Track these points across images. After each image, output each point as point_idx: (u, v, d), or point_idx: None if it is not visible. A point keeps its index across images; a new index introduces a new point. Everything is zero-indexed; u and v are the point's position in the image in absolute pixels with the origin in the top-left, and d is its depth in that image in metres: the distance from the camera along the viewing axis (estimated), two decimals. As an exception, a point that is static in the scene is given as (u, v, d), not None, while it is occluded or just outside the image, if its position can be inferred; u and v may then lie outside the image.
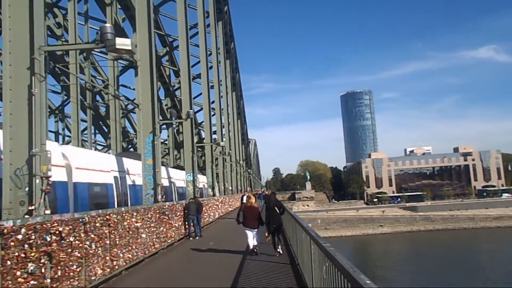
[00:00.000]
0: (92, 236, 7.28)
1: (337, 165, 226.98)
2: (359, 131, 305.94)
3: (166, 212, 12.54)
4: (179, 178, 24.12)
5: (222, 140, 31.88)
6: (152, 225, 11.01)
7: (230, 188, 43.86)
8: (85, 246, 6.95)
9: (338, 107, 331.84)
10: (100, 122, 41.45)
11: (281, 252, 11.13)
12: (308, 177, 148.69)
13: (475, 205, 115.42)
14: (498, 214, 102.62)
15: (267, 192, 66.32)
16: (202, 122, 34.10)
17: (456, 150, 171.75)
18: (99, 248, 7.53)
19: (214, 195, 27.21)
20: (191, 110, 16.28)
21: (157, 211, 11.64)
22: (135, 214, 9.62)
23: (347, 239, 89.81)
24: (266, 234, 11.30)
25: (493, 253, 66.91)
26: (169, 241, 12.99)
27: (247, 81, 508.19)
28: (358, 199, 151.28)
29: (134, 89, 34.52)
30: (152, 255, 11.18)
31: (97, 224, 7.50)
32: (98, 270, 7.44)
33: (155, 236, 11.29)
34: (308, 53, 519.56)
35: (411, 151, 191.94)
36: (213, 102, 39.80)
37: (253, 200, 11.91)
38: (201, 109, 33.60)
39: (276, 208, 11.35)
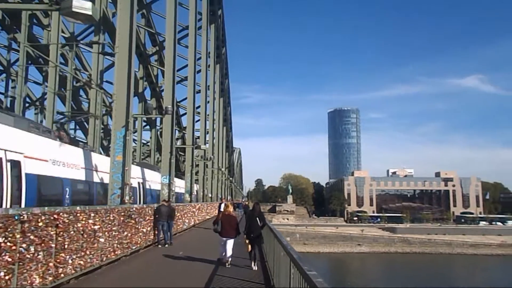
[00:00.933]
0: (32, 237, 6.11)
1: (320, 180, 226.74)
2: (344, 149, 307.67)
3: (133, 216, 11.34)
4: (156, 180, 22.86)
5: (205, 145, 30.80)
6: (114, 228, 9.83)
7: (210, 195, 42.60)
8: (20, 249, 5.77)
9: (325, 123, 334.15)
10: (82, 119, 40.06)
11: (255, 268, 10.53)
12: (290, 190, 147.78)
13: (452, 231, 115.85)
14: (474, 241, 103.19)
15: (247, 202, 65.29)
16: (186, 127, 32.90)
17: (437, 174, 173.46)
18: (40, 253, 6.34)
19: (191, 201, 25.97)
20: (169, 106, 15.08)
21: (122, 214, 10.46)
22: (93, 215, 8.44)
23: (324, 255, 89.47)
24: (247, 242, 10.85)
25: (464, 280, 67.63)
26: (134, 247, 11.79)
27: (236, 90, 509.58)
28: (338, 216, 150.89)
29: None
30: (112, 263, 9.98)
31: (40, 224, 6.32)
32: (36, 279, 6.25)
33: (116, 242, 10.09)
34: (299, 67, 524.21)
35: (394, 173, 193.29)
36: (198, 106, 38.98)
37: (230, 208, 11.46)
38: (186, 113, 32.79)
39: (258, 218, 11.00)
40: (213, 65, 43.44)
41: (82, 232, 7.92)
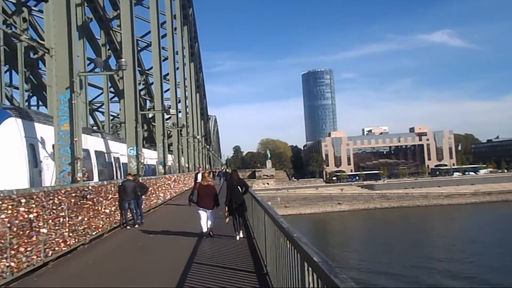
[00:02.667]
0: None
1: (298, 143, 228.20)
2: (320, 110, 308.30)
3: (88, 196, 9.34)
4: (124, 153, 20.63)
5: (177, 112, 28.67)
6: (61, 214, 7.89)
7: (187, 165, 40.70)
8: None
9: (299, 86, 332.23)
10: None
11: (241, 236, 10.15)
12: (269, 155, 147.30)
13: (428, 184, 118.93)
14: (449, 192, 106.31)
15: (227, 170, 63.76)
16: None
17: (412, 130, 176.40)
18: None
19: (165, 173, 24.03)
20: (124, 60, 12.45)
21: (73, 195, 8.49)
22: (24, 201, 6.47)
23: (306, 217, 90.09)
24: (226, 214, 10.35)
25: (438, 229, 69.48)
26: (94, 233, 9.93)
27: (208, 59, 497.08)
28: (317, 177, 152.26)
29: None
30: (63, 256, 8.12)
31: None
32: None
33: (67, 230, 8.18)
34: (268, 32, 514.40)
35: (369, 131, 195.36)
36: (167, 74, 37.16)
37: (208, 178, 10.88)
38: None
39: (238, 186, 10.44)
40: (180, 28, 40.47)
41: (9, 225, 5.98)
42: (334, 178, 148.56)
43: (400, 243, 57.96)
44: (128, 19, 17.73)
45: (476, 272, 42.14)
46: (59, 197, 7.79)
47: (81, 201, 8.89)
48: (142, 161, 17.23)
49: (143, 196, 13.90)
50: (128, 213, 12.76)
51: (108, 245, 10.07)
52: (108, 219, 11.10)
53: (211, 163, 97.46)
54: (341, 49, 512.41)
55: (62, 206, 7.87)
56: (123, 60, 11.83)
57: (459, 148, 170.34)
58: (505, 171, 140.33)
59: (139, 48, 43.99)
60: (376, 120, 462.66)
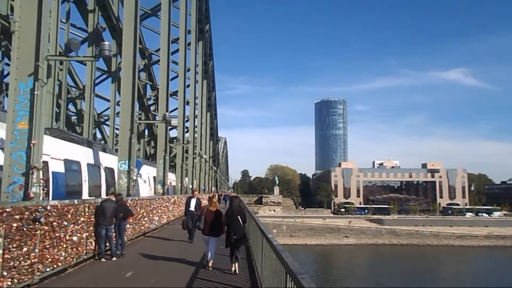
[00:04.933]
0: None
1: (307, 172, 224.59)
2: (331, 140, 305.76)
3: (43, 219, 7.06)
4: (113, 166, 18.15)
5: (183, 127, 26.66)
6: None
7: (191, 186, 38.44)
8: None
9: (311, 114, 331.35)
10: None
11: (237, 271, 9.27)
12: (277, 182, 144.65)
13: (439, 222, 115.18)
14: (461, 233, 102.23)
15: (233, 194, 61.26)
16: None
17: (424, 166, 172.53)
18: None
19: (164, 193, 21.79)
20: (106, 43, 9.83)
21: (16, 217, 6.27)
22: None
23: (311, 248, 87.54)
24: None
25: (451, 271, 67.35)
26: (50, 269, 7.62)
27: (221, 81, 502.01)
28: (325, 207, 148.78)
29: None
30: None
31: None
32: None
33: None
34: (284, 59, 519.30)
35: (380, 164, 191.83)
36: (177, 91, 36.25)
37: (216, 203, 10.12)
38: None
39: (239, 216, 9.54)
40: (194, 42, 39.09)
41: None
42: (343, 209, 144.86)
43: (403, 282, 55.82)
44: (132, 15, 15.94)
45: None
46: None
47: (30, 227, 6.67)
48: (134, 177, 15.01)
49: (129, 220, 11.60)
50: (104, 243, 10.32)
51: (67, 285, 7.74)
52: (74, 249, 8.78)
53: (218, 186, 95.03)
54: (355, 81, 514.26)
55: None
56: (106, 43, 9.67)
57: (472, 188, 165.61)
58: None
59: (152, 62, 43.10)
60: (387, 154, 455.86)
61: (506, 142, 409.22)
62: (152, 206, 17.02)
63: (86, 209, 9.45)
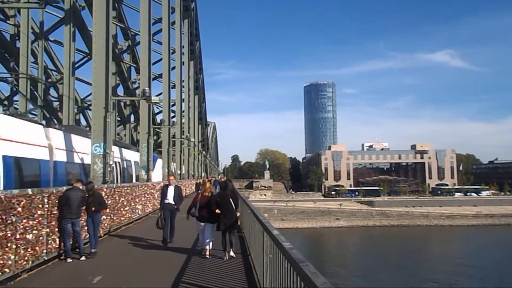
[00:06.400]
0: None
1: (297, 155, 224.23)
2: (320, 123, 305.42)
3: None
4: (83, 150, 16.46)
5: (169, 107, 25.01)
6: None
7: (179, 171, 37.01)
8: None
9: (300, 99, 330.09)
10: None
11: (233, 255, 9.21)
12: (267, 166, 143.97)
13: (429, 203, 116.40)
14: (451, 212, 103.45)
15: (223, 179, 59.81)
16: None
17: (413, 147, 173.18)
18: None
19: (148, 179, 20.31)
20: None
21: None
22: None
23: (303, 231, 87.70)
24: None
25: (440, 251, 68.01)
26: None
27: (209, 67, 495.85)
28: (316, 191, 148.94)
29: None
30: None
31: None
32: None
33: None
34: (271, 43, 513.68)
35: (370, 146, 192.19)
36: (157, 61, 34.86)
37: (210, 188, 9.91)
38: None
39: (231, 200, 9.25)
40: (179, 19, 37.20)
41: None
42: (333, 192, 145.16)
43: (396, 263, 56.31)
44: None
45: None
46: None
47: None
48: (110, 162, 13.45)
49: (105, 211, 10.03)
50: (70, 239, 8.76)
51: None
52: (30, 250, 7.33)
53: (208, 171, 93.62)
54: (343, 65, 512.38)
55: None
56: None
57: (461, 168, 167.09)
58: (508, 193, 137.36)
59: (136, 42, 41.12)
60: (376, 136, 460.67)
61: (493, 122, 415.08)
62: (134, 194, 15.59)
63: (46, 200, 7.96)
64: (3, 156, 10.03)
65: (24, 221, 7.06)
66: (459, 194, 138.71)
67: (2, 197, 6.37)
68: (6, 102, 34.15)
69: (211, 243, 9.37)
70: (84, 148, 15.20)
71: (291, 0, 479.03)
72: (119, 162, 18.66)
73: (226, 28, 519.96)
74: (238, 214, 9.58)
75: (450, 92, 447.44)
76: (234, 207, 9.23)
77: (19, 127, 11.59)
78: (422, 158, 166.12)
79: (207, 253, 9.24)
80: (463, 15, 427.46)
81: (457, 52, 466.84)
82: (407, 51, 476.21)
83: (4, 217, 6.44)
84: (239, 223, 10.41)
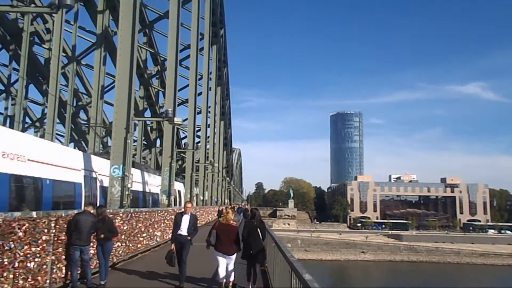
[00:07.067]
0: None
1: (322, 185, 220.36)
2: (346, 153, 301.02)
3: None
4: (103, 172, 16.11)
5: (194, 130, 24.72)
6: None
7: (201, 197, 36.40)
8: None
9: (326, 127, 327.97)
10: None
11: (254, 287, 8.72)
12: (292, 195, 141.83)
13: (460, 239, 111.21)
14: (484, 250, 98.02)
15: (246, 206, 58.75)
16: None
17: (443, 180, 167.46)
18: None
19: (169, 205, 19.73)
20: None
21: None
22: None
23: (327, 263, 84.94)
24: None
25: None
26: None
27: (234, 94, 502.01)
28: (341, 222, 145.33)
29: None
30: None
31: None
32: None
33: None
34: (299, 72, 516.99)
35: (398, 178, 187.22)
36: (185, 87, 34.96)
37: (230, 216, 9.01)
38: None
39: (259, 229, 8.89)
40: (207, 45, 37.64)
41: None
42: (359, 224, 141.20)
43: None
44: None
45: None
46: None
47: None
48: (129, 185, 12.93)
49: (114, 240, 9.23)
50: (77, 268, 8.02)
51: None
52: (31, 280, 6.63)
53: (231, 198, 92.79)
54: (371, 95, 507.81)
55: None
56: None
57: (494, 203, 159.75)
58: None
59: (164, 68, 41.99)
60: (404, 168, 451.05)
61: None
62: (152, 220, 14.95)
63: (52, 225, 7.32)
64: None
65: (26, 247, 6.47)
66: (492, 231, 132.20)
67: (1, 220, 5.81)
68: (38, 124, 34.95)
69: (232, 274, 8.71)
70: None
71: (318, 29, 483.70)
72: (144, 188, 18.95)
73: (254, 57, 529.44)
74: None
75: (482, 124, 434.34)
76: (261, 237, 8.90)
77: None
78: (452, 192, 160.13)
79: (230, 285, 8.73)
80: (494, 47, 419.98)
81: (487, 84, 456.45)
82: (436, 82, 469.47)
83: (1, 243, 5.88)
84: (265, 256, 9.69)
